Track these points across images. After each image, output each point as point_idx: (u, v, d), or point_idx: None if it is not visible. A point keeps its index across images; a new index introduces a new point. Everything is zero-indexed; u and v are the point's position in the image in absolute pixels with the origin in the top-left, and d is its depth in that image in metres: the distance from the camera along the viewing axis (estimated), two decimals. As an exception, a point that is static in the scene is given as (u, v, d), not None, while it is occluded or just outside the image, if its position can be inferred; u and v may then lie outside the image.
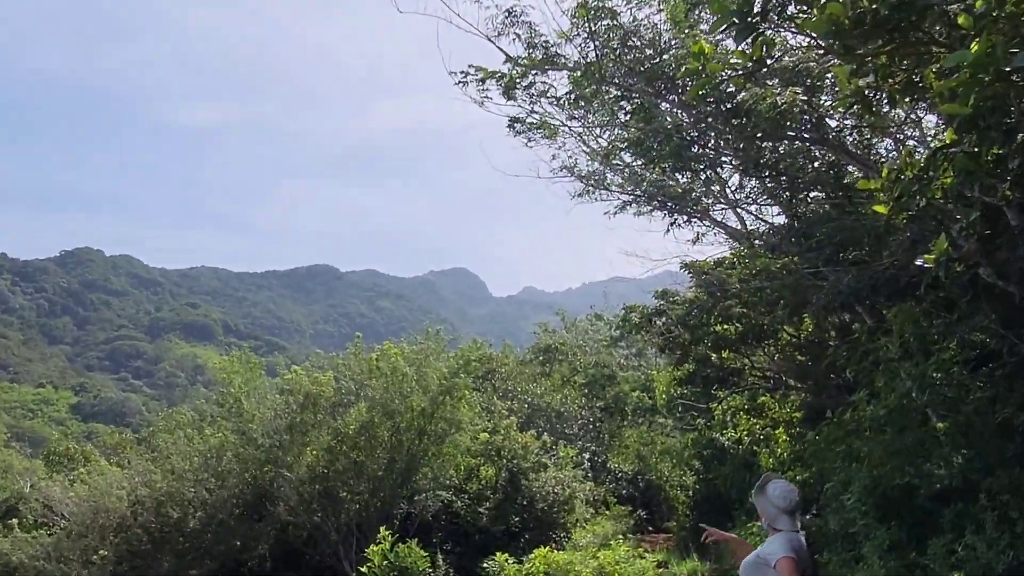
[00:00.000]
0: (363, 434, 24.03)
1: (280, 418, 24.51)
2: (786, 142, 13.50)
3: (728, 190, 17.06)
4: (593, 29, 14.93)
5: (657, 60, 14.36)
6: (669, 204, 16.67)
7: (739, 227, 17.93)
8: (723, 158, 15.14)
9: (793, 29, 9.46)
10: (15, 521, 26.16)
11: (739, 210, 17.59)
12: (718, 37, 8.10)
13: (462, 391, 25.23)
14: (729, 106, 12.28)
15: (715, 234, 18.33)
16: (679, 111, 14.58)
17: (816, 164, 14.00)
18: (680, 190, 16.30)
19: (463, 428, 25.34)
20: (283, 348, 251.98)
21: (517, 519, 25.29)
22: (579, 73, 15.98)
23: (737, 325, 18.34)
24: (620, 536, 23.27)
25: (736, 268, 17.05)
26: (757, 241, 16.93)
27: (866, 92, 6.02)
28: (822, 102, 12.55)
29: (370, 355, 26.02)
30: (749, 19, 5.40)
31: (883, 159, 13.46)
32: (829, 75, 11.47)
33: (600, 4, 14.79)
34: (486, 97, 19.08)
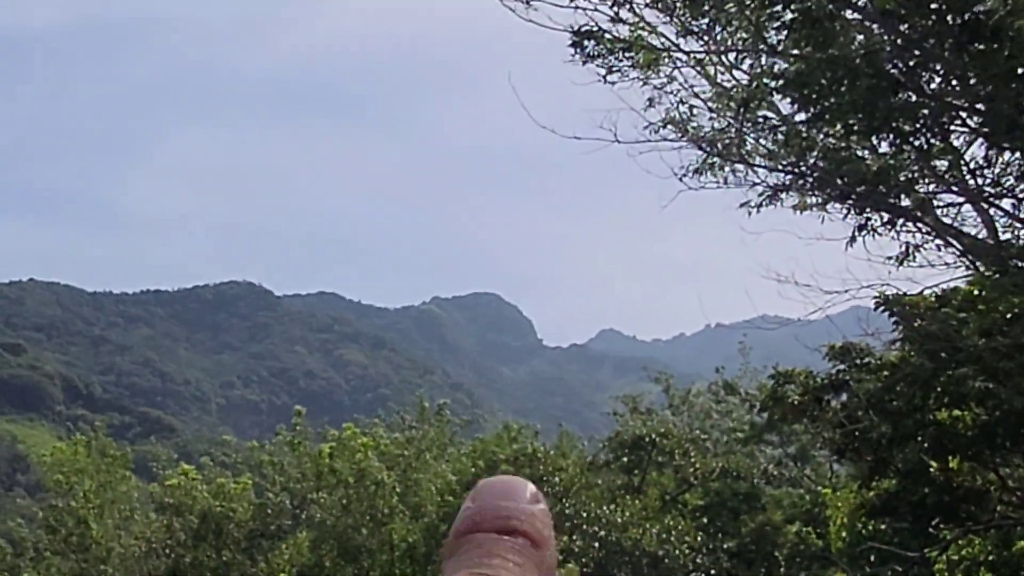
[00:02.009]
0: (304, 588, 24.04)
1: (158, 556, 24.60)
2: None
3: (964, 169, 16.97)
4: None
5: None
6: (856, 191, 16.59)
7: (984, 235, 17.82)
8: (955, 112, 15.01)
9: None
10: None
11: (985, 205, 17.48)
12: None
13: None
14: (965, 18, 12.24)
15: (939, 247, 18.25)
16: (876, 26, 14.50)
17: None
18: (876, 167, 16.23)
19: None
20: (169, 429, 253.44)
21: None
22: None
23: (978, 411, 18.20)
24: None
25: (977, 309, 16.96)
26: (1016, 261, 16.80)
27: None
28: None
29: (320, 447, 26.09)
30: None
31: None
32: None
33: None
34: (534, -7, 19.23)
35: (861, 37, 15.27)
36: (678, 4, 17.80)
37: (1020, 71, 12.74)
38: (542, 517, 0.92)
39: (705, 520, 37.63)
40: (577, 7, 18.19)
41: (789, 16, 15.94)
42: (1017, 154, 16.31)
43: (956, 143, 16.89)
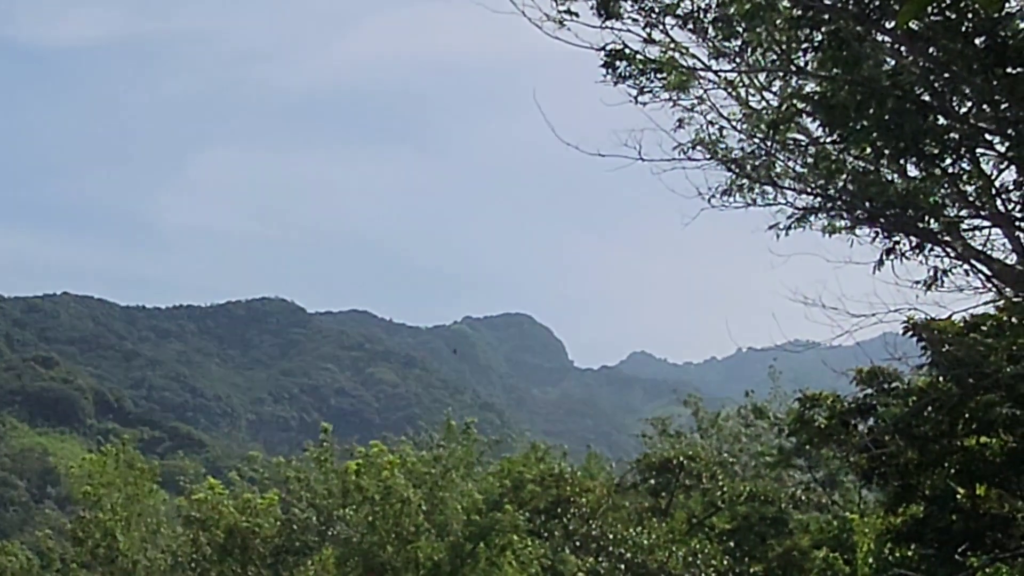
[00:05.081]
0: (327, 605, 24.04)
1: (183, 570, 24.69)
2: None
3: (993, 193, 16.89)
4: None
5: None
6: (884, 215, 16.53)
7: (1013, 260, 17.74)
8: (984, 135, 14.96)
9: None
10: None
11: (1014, 230, 17.40)
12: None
13: (507, 535, 25.21)
14: (994, 41, 12.20)
15: (967, 272, 18.14)
16: (903, 49, 14.49)
17: None
18: (904, 191, 16.19)
19: (506, 602, 25.26)
20: (199, 444, 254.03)
21: None
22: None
23: (1005, 438, 18.12)
24: None
25: (1005, 335, 16.87)
26: (1045, 287, 16.69)
27: None
28: None
29: (346, 464, 26.14)
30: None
31: None
32: None
33: None
34: (566, 13, 19.31)
35: (891, 60, 15.25)
36: (709, 26, 17.79)
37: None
38: None
39: (732, 544, 37.50)
40: (607, 27, 18.16)
41: (818, 37, 15.95)
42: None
43: (986, 167, 16.81)
